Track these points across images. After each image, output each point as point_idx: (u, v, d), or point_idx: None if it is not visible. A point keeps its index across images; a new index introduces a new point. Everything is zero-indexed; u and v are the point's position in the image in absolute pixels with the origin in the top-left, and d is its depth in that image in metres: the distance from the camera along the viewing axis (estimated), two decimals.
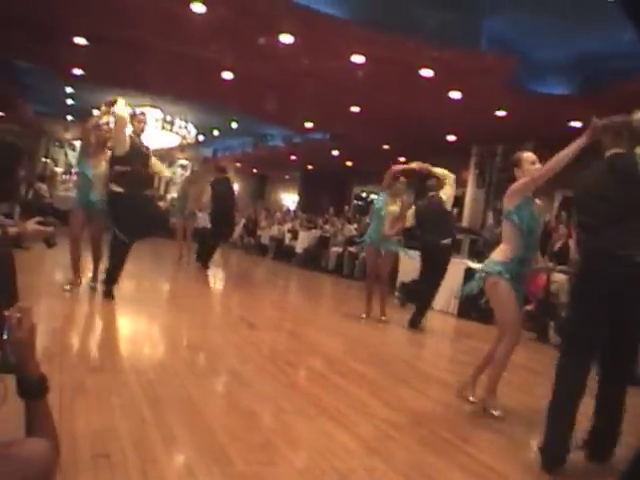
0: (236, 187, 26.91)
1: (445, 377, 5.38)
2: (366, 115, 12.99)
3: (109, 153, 6.69)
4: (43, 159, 23.54)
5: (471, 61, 8.57)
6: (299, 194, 26.27)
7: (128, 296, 6.98)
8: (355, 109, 12.67)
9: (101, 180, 6.69)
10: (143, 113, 6.92)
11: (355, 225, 15.86)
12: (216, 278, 10.75)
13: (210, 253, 11.32)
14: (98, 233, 6.89)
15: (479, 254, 10.76)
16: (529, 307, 8.80)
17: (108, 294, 6.53)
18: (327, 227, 16.55)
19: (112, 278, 6.59)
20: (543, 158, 4.11)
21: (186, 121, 17.29)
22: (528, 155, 4.24)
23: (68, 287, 6.63)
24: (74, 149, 23.66)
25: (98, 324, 5.65)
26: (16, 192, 3.91)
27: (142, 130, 6.74)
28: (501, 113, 10.89)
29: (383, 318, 7.92)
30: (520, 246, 4.12)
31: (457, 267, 9.75)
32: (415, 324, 7.69)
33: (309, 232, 16.58)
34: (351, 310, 8.59)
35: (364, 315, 7.98)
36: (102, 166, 6.70)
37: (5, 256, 3.46)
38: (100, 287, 6.72)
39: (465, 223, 13.55)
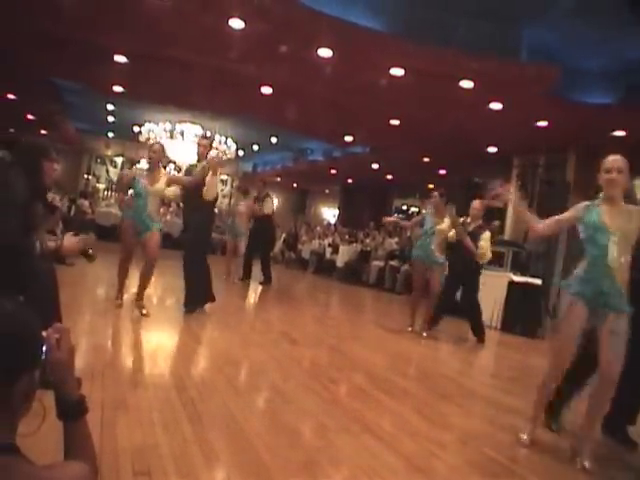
0: (276, 202, 27.19)
1: (490, 393, 5.25)
2: (406, 128, 12.92)
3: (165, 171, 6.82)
4: (85, 175, 24.06)
5: (512, 71, 8.45)
6: (339, 208, 26.32)
7: (169, 312, 7.01)
8: (395, 122, 12.62)
9: (156, 197, 6.67)
10: (205, 137, 7.05)
11: (396, 239, 15.75)
12: (257, 293, 10.75)
13: (246, 266, 11.56)
14: (152, 252, 6.63)
15: (522, 267, 10.59)
16: None
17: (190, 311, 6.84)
18: (368, 241, 16.48)
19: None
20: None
21: (226, 136, 17.51)
22: (605, 160, 3.61)
23: (119, 302, 6.79)
24: (115, 165, 24.13)
25: (139, 340, 5.67)
26: (44, 191, 3.90)
27: (201, 154, 6.95)
28: (543, 123, 10.70)
29: (425, 334, 7.94)
30: (588, 262, 3.62)
31: (500, 280, 9.62)
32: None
33: (350, 246, 16.55)
34: (393, 325, 8.50)
35: (409, 329, 8.08)
36: (158, 184, 6.64)
37: (47, 272, 3.52)
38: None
39: (507, 236, 13.32)
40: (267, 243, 11.93)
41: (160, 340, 5.77)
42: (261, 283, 11.50)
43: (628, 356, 3.46)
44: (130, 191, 6.78)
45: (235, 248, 11.71)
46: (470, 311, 8.07)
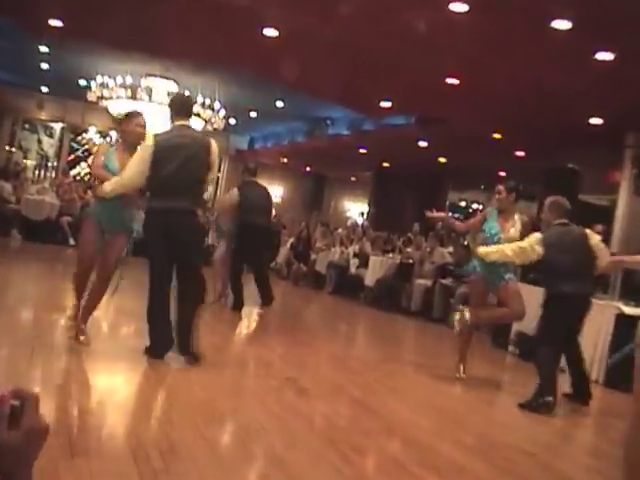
0: (279, 192, 27.11)
1: (586, 478, 5.17)
2: (469, 89, 12.88)
3: None
4: (7, 147, 23.97)
5: (629, 5, 8.33)
6: (370, 203, 26.45)
7: (129, 346, 7.00)
8: (453, 81, 12.57)
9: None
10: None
11: (450, 248, 15.66)
12: (252, 321, 10.77)
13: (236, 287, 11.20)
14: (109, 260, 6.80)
15: (637, 294, 10.42)
16: None
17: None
18: (410, 250, 16.41)
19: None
20: None
21: (211, 98, 17.54)
22: None
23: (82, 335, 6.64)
24: (51, 134, 24.07)
25: (82, 386, 5.64)
26: None
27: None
28: None
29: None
30: None
31: (604, 312, 9.48)
32: (530, 406, 7.38)
33: (384, 257, 16.46)
34: (445, 370, 8.42)
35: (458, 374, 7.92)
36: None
37: None
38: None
39: (614, 247, 13.16)
40: (264, 251, 11.74)
41: (112, 386, 5.75)
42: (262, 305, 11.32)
43: None
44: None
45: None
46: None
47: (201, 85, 17.07)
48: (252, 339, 9.62)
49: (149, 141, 6.56)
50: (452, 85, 12.78)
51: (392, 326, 13.48)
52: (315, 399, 6.17)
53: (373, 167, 24.87)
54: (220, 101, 17.76)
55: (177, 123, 6.75)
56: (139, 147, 6.67)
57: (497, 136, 16.32)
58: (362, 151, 21.18)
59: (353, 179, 28.36)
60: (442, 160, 20.87)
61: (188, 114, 6.95)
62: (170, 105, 7.10)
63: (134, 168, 6.46)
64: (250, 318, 10.84)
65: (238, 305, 10.96)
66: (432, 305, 14.45)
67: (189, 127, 6.96)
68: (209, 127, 18.02)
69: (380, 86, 14.24)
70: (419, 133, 17.50)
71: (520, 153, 17.83)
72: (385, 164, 23.80)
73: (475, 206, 24.20)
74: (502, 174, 20.99)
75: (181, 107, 6.92)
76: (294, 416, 5.45)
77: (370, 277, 16.23)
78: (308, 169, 27.96)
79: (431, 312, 14.35)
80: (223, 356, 7.73)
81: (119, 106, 16.93)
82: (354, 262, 17.45)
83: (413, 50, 11.27)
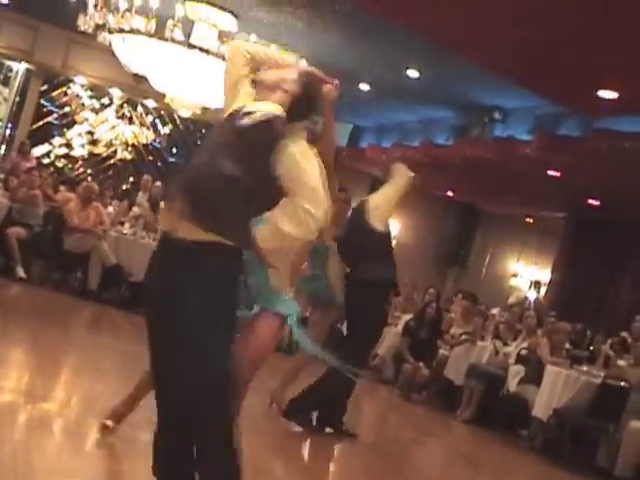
0: (395, 229, 26.62)
1: None
2: None
3: None
4: None
5: None
6: (555, 267, 26.62)
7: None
8: None
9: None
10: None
11: None
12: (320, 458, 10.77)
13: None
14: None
15: None
16: None
17: None
18: (623, 364, 16.08)
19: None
20: None
21: (297, 55, 16.88)
22: None
23: None
24: (6, 80, 24.28)
25: None
26: None
27: None
28: None
29: None
30: None
31: None
32: None
33: (572, 370, 15.88)
34: None
35: None
36: None
37: None
38: None
39: None
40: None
41: None
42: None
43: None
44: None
45: None
46: None
47: (277, 26, 16.93)
48: None
49: None
50: None
51: None
52: None
53: (569, 204, 25.26)
54: (308, 60, 17.10)
55: None
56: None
57: None
58: (553, 173, 21.21)
59: (529, 221, 28.79)
60: None
61: None
62: None
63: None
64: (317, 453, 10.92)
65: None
66: None
67: None
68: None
69: (599, 59, 13.86)
70: None
71: None
72: (592, 201, 23.85)
73: None
74: None
75: None
76: None
77: (544, 403, 15.64)
78: (450, 194, 28.77)
79: None
80: None
81: (132, 46, 16.91)
82: (516, 371, 16.94)
83: None
